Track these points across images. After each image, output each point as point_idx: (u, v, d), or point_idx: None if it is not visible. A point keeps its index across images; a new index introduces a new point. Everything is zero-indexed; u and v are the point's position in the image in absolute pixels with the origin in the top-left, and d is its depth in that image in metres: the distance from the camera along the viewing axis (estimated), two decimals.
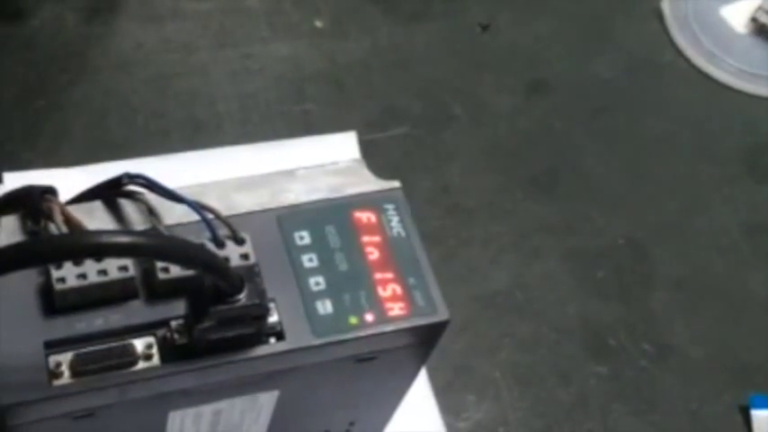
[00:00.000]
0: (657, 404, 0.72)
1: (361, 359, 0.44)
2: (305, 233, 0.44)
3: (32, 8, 0.85)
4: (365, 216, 0.45)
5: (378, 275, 0.43)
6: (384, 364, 0.46)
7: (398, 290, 0.43)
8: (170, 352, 0.40)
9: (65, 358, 0.39)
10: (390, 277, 0.44)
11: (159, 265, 0.40)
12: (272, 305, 0.41)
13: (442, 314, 0.44)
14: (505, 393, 0.71)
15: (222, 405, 0.45)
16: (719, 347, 0.75)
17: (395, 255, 0.44)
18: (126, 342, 0.40)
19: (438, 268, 0.45)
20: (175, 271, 0.41)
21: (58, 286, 0.39)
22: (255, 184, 0.45)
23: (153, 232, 0.42)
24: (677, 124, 0.86)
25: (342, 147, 0.79)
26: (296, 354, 0.42)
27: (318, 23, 0.88)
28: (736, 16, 0.92)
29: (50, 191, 0.41)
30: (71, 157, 0.76)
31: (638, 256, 0.79)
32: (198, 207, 0.42)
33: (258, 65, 0.85)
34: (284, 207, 0.45)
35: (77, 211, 0.42)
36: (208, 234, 0.41)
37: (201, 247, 0.40)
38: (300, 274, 0.43)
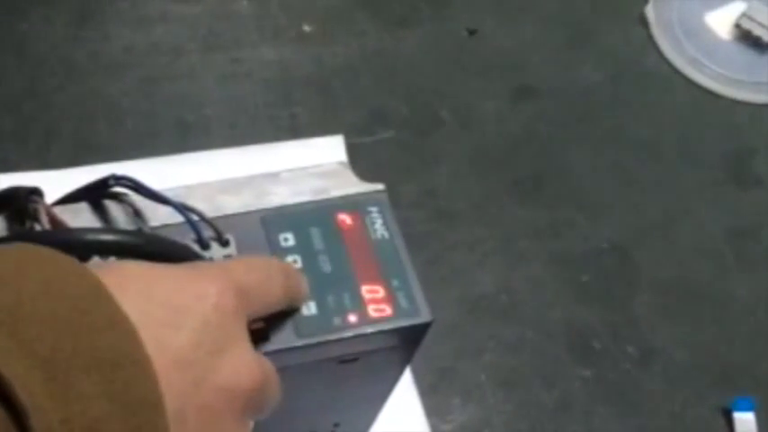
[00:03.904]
0: (641, 407, 0.73)
1: (345, 360, 0.45)
2: (289, 235, 0.44)
3: (22, 11, 0.85)
4: (349, 218, 0.45)
5: (361, 277, 0.44)
6: (368, 365, 0.46)
7: (382, 291, 0.44)
8: None
9: None
10: (374, 279, 0.44)
11: None
12: None
13: (424, 316, 0.44)
14: (490, 396, 0.72)
15: None
16: (703, 351, 0.76)
17: (378, 257, 0.44)
18: None
19: (424, 272, 0.45)
20: None
21: None
22: (240, 187, 0.46)
23: (137, 232, 0.42)
24: (661, 129, 0.87)
25: (329, 150, 0.79)
26: (280, 354, 0.42)
27: (306, 28, 0.88)
28: (720, 22, 0.93)
29: (36, 192, 0.41)
30: (60, 159, 0.77)
31: (622, 260, 0.79)
32: (183, 209, 0.42)
33: (246, 69, 0.85)
34: (269, 209, 0.45)
35: (64, 213, 0.42)
36: (193, 235, 0.42)
37: (186, 247, 0.40)
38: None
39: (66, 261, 0.32)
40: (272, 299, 0.39)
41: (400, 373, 0.50)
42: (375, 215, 0.45)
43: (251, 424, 0.37)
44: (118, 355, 0.30)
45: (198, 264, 0.39)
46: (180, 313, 0.33)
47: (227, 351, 0.34)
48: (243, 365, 0.35)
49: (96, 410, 0.29)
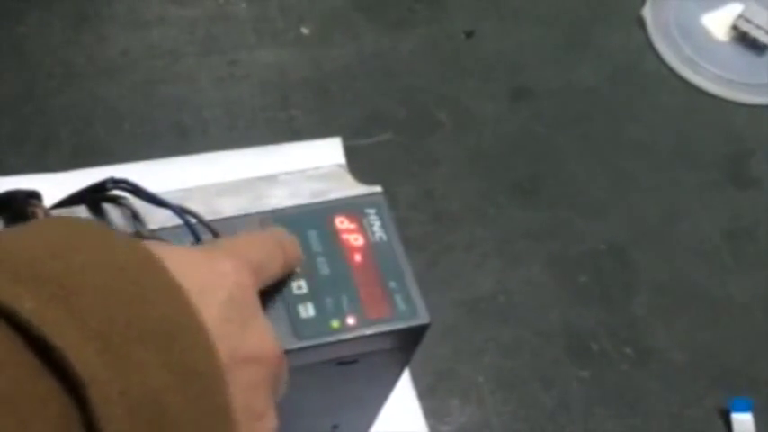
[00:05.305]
0: (639, 408, 0.73)
1: (344, 362, 0.45)
2: None
3: (20, 14, 0.85)
4: (347, 220, 0.45)
5: (359, 279, 0.44)
6: (366, 367, 0.46)
7: (379, 293, 0.44)
8: None
9: None
10: (371, 281, 0.44)
11: None
12: None
13: (422, 318, 0.44)
14: (488, 397, 0.72)
15: None
16: (700, 351, 0.76)
17: (376, 259, 0.45)
18: None
19: (422, 273, 0.46)
20: None
21: None
22: (238, 189, 0.46)
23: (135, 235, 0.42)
24: (659, 131, 0.87)
25: (327, 152, 0.79)
26: None
27: (304, 30, 0.89)
28: (718, 24, 0.93)
29: (35, 195, 0.41)
30: (58, 163, 0.77)
31: (619, 261, 0.79)
32: (181, 211, 0.42)
33: (244, 71, 0.85)
34: (267, 212, 0.45)
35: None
36: (191, 238, 0.42)
37: None
38: (283, 278, 0.43)
39: (112, 232, 0.32)
40: (275, 270, 0.40)
41: (399, 374, 0.50)
42: (373, 217, 0.46)
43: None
44: (173, 325, 0.30)
45: (207, 244, 0.39)
46: (206, 290, 0.34)
47: (251, 323, 0.35)
48: (266, 335, 0.36)
49: (156, 381, 0.28)
